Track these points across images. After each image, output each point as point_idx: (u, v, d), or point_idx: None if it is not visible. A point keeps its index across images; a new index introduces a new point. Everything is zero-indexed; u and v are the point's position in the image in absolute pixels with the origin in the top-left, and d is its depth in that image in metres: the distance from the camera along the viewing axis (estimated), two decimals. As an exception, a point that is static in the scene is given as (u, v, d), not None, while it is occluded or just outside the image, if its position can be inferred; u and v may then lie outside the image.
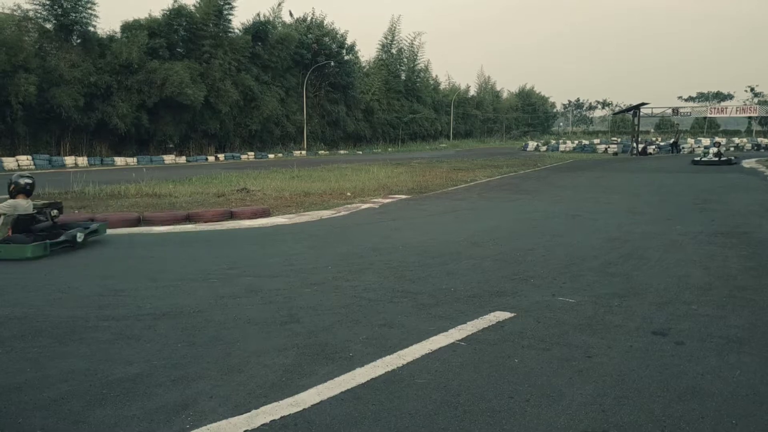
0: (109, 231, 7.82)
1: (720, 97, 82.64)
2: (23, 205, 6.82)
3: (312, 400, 2.76)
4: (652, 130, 76.27)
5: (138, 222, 8.65)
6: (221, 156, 36.22)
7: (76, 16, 31.31)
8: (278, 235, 8.00)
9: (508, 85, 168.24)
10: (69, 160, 28.63)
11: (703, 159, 23.22)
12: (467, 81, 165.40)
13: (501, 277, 5.20)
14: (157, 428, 2.51)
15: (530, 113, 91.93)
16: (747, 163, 23.77)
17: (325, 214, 9.87)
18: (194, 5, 36.84)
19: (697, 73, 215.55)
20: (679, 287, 4.78)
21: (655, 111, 38.08)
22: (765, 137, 49.33)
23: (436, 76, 72.55)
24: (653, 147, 39.27)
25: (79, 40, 32.10)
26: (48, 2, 30.40)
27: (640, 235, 7.36)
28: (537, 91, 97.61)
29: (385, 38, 60.26)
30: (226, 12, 38.14)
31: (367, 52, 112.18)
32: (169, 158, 33.02)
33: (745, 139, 47.18)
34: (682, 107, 42.25)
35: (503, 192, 13.83)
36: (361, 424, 2.54)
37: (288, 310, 4.24)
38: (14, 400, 2.79)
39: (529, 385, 2.92)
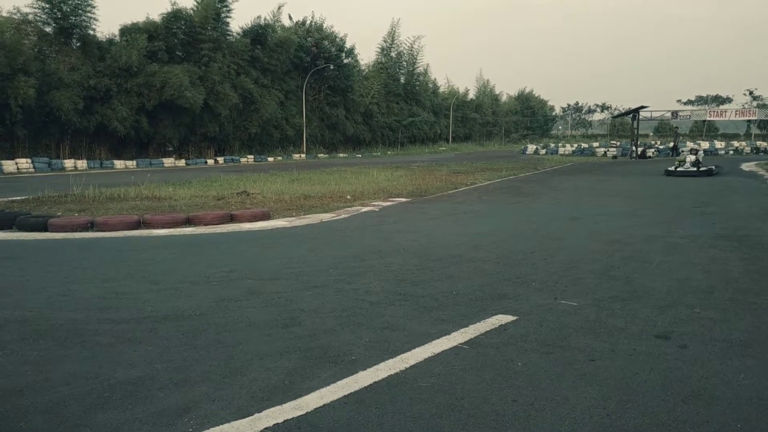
0: (109, 233, 7.78)
1: (719, 100, 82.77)
2: None
3: (315, 403, 2.75)
4: (651, 134, 76.44)
5: (138, 225, 8.63)
6: (221, 159, 36.23)
7: (75, 20, 31.32)
8: (278, 238, 7.99)
9: (506, 88, 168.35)
10: (68, 163, 28.61)
11: (678, 169, 19.58)
12: (466, 84, 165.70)
13: (502, 280, 5.19)
14: (159, 432, 2.50)
15: (529, 116, 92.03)
16: (746, 166, 23.82)
17: (326, 217, 9.86)
18: (192, 9, 36.90)
19: (696, 77, 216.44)
20: (681, 290, 4.78)
21: (654, 114, 38.08)
22: (764, 141, 49.36)
23: (435, 79, 72.47)
24: (653, 150, 39.28)
25: (78, 44, 32.11)
26: (47, 6, 30.39)
27: (641, 238, 7.36)
28: (536, 95, 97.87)
29: (385, 42, 60.29)
30: (224, 15, 38.17)
31: (366, 55, 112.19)
32: (168, 161, 33.03)
33: (744, 143, 47.22)
34: (681, 110, 42.24)
35: (503, 195, 13.83)
36: (364, 428, 2.52)
37: (289, 312, 4.23)
38: (15, 403, 2.78)
39: (533, 388, 2.91)
